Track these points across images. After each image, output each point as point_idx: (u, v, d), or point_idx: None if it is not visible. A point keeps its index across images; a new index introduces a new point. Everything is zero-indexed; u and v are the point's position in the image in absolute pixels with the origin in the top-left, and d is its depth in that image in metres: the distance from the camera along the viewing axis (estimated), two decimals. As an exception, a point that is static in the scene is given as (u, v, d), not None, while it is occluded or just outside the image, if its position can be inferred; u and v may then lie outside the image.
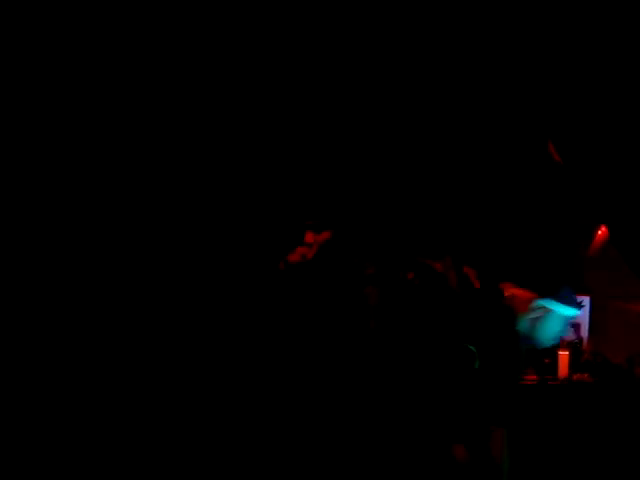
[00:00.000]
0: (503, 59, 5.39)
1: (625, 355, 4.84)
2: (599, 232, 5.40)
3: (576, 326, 4.87)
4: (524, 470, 4.35)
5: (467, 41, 5.30)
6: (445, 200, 5.57)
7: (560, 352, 4.77)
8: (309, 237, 3.72)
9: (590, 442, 4.51)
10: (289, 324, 3.77)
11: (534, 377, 4.73)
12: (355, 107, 5.30)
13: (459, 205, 5.61)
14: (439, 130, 5.51)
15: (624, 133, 4.86)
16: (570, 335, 4.86)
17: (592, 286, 5.16)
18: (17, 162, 5.06)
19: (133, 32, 5.20)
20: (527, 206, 5.46)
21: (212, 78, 5.28)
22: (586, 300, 4.88)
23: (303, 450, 3.63)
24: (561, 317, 3.83)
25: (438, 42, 5.35)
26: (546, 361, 4.80)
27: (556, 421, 4.55)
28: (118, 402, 4.81)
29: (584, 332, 4.86)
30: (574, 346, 4.83)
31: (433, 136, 5.48)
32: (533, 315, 3.83)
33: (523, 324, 3.80)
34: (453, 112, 5.48)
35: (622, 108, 4.95)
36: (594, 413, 4.55)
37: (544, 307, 3.82)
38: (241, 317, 4.19)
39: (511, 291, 4.36)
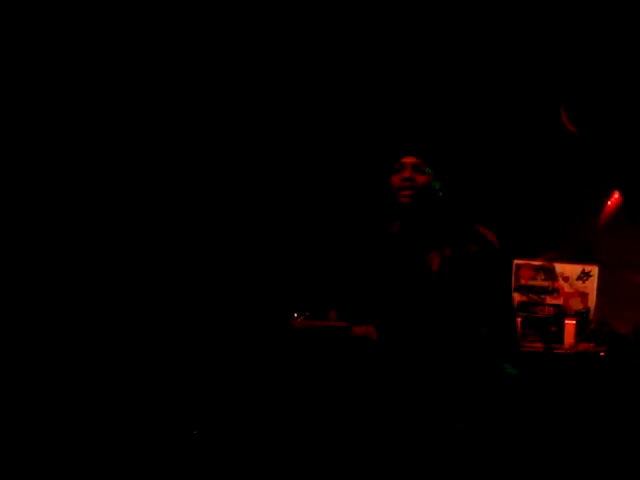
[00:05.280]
0: (518, 28, 5.37)
1: (632, 325, 4.84)
2: (609, 201, 5.39)
3: (584, 295, 4.85)
4: (528, 438, 4.36)
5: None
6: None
7: (567, 321, 4.77)
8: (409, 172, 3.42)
9: (594, 410, 4.51)
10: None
11: (539, 345, 4.73)
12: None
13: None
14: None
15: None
16: (577, 304, 4.85)
17: (601, 256, 5.15)
18: (17, 162, 5.06)
19: (133, 32, 5.20)
20: (536, 175, 5.44)
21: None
22: (595, 270, 4.87)
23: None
24: None
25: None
26: (552, 329, 4.79)
27: (561, 389, 4.55)
28: (118, 401, 4.83)
29: (591, 302, 4.84)
30: (581, 315, 4.82)
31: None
32: None
33: None
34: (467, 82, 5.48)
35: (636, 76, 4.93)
36: (599, 382, 4.55)
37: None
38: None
39: None
